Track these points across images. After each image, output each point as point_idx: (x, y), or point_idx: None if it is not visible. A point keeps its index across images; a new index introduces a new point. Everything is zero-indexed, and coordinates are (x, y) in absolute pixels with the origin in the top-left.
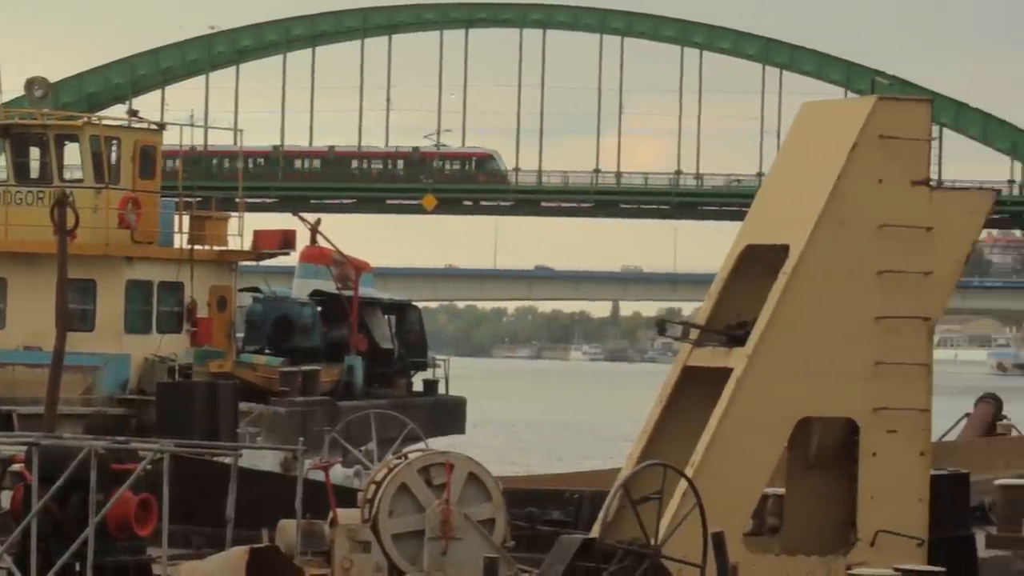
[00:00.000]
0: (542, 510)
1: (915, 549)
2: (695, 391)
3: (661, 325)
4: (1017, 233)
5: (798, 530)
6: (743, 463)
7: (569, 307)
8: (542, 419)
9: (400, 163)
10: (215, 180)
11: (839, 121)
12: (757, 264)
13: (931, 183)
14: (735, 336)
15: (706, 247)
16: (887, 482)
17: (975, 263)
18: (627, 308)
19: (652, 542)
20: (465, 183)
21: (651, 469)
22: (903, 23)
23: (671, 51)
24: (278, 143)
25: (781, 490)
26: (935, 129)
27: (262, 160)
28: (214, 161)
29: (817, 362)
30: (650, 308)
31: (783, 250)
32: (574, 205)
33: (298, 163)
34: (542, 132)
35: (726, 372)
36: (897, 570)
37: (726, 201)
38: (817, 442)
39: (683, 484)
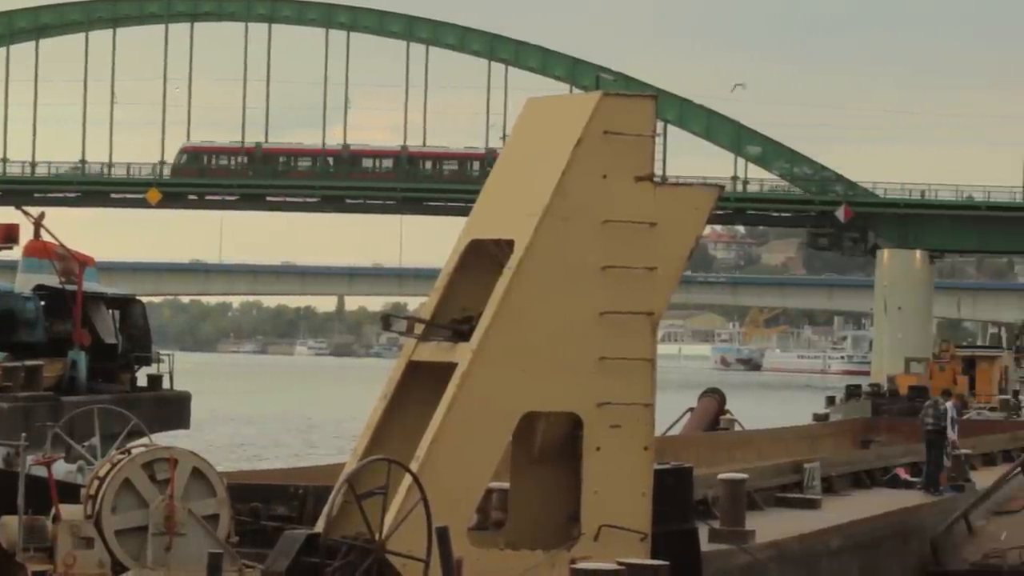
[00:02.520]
0: (267, 505)
1: (638, 543)
2: (420, 386)
3: (386, 320)
4: (740, 229)
5: (522, 524)
6: (467, 458)
7: (294, 302)
8: (267, 414)
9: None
10: None
11: (563, 117)
12: (483, 259)
13: (655, 179)
14: (460, 331)
15: (432, 241)
16: (610, 476)
17: (699, 258)
18: (353, 303)
19: (376, 537)
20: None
21: (376, 464)
22: (627, 20)
23: (397, 46)
24: None
25: (506, 484)
26: (659, 125)
27: None
28: None
29: (541, 357)
30: (376, 303)
31: (508, 245)
32: (300, 200)
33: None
34: (267, 126)
35: (451, 367)
36: (620, 564)
37: (452, 196)
38: (541, 437)
39: (408, 479)
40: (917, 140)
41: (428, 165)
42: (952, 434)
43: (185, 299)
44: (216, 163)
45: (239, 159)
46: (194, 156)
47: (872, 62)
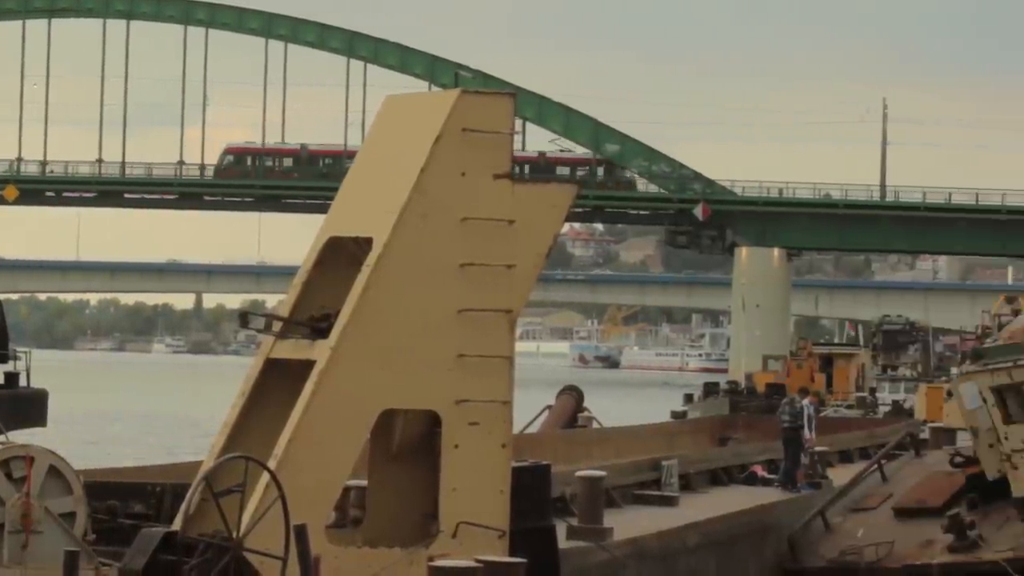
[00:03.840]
0: (124, 503)
1: (496, 541)
2: (278, 384)
3: (244, 317)
4: (599, 227)
5: (380, 522)
6: (325, 455)
7: (152, 299)
8: (124, 412)
9: None
10: None
11: (422, 115)
12: (341, 256)
13: (513, 177)
14: (318, 328)
15: (291, 239)
16: (469, 474)
17: (557, 256)
18: (210, 300)
19: (234, 535)
20: None
21: (233, 462)
22: (486, 18)
23: (256, 43)
24: None
25: (364, 482)
26: (517, 123)
27: None
28: None
29: (400, 355)
30: (234, 300)
31: (367, 242)
32: (158, 197)
33: None
34: (125, 123)
35: (309, 364)
36: (478, 561)
37: (310, 193)
38: (399, 434)
39: (265, 477)
40: (775, 139)
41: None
42: (809, 432)
43: (42, 296)
44: (261, 164)
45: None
46: (239, 158)
47: (733, 61)
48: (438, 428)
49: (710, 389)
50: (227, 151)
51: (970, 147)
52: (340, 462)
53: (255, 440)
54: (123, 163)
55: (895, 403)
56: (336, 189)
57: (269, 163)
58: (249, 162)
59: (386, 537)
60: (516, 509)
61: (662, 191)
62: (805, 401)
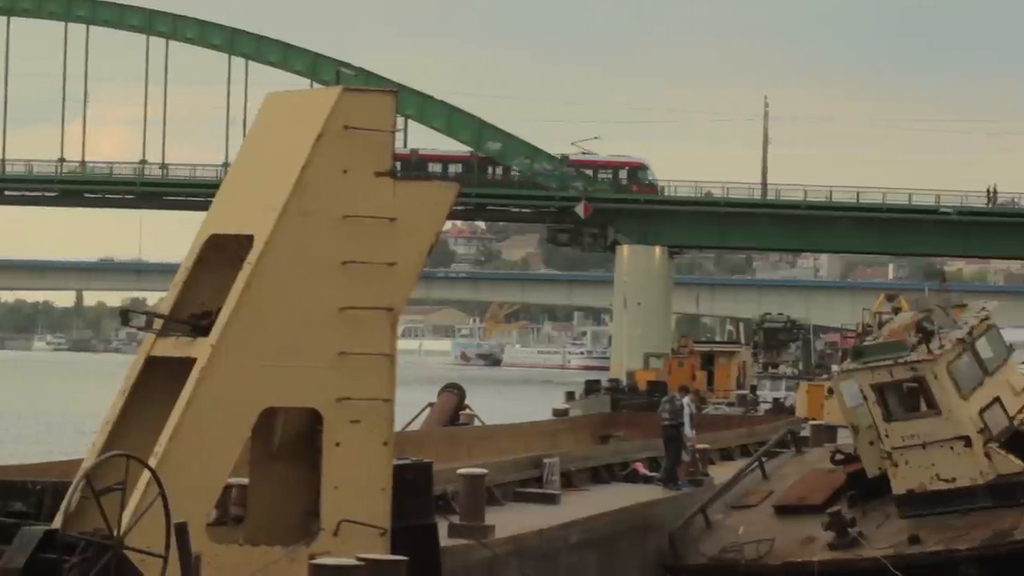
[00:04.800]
0: (3, 502)
1: (378, 538)
2: (159, 381)
3: (125, 315)
4: (481, 224)
5: (261, 520)
6: (206, 453)
7: (32, 296)
8: (3, 410)
9: None
10: None
11: (304, 112)
12: (223, 254)
13: (395, 174)
14: (199, 326)
15: (173, 236)
16: (350, 472)
17: (439, 254)
18: (91, 298)
19: (115, 533)
20: None
21: (114, 460)
22: (368, 15)
23: (136, 40)
24: None
25: (245, 480)
26: (400, 121)
27: None
28: None
29: (281, 352)
30: (115, 298)
31: (248, 240)
32: (39, 194)
33: None
34: (5, 120)
35: (190, 362)
36: (360, 559)
37: (191, 191)
38: (281, 432)
39: (146, 475)
40: (658, 137)
41: None
42: (690, 430)
43: None
44: None
45: None
46: None
47: (619, 60)
48: (319, 426)
49: (592, 387)
50: None
51: (851, 146)
52: (221, 460)
53: (136, 438)
54: (3, 160)
55: (776, 401)
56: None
57: None
58: None
59: (267, 535)
60: (398, 507)
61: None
62: (686, 399)
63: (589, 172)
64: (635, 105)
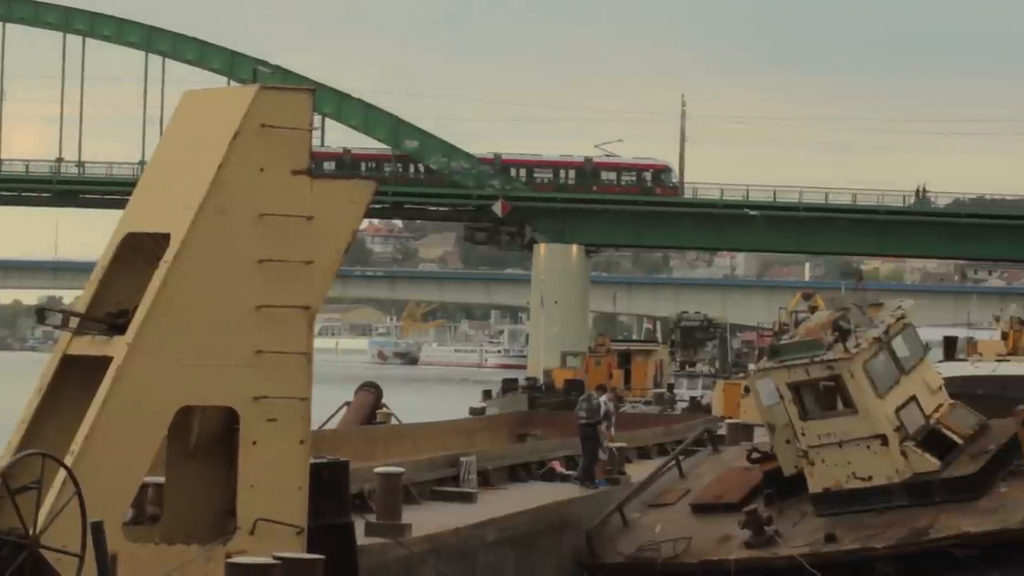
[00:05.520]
0: None
1: (294, 537)
2: (76, 380)
3: (40, 313)
4: (398, 223)
5: (178, 519)
6: (123, 452)
7: None
8: None
9: None
10: None
11: (221, 110)
12: (139, 252)
13: (312, 173)
14: (115, 325)
15: (90, 235)
16: (267, 470)
17: (356, 252)
18: (7, 296)
19: (30, 532)
20: None
21: (30, 458)
22: (285, 14)
23: (53, 37)
24: None
25: (161, 479)
26: (317, 119)
27: None
28: None
29: (197, 351)
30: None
31: (164, 239)
32: None
33: None
34: None
35: (107, 361)
36: (276, 558)
37: (108, 189)
38: (198, 431)
39: (63, 473)
40: (577, 136)
41: None
42: (606, 428)
43: None
44: None
45: None
46: None
47: (536, 59)
48: (236, 425)
49: (509, 386)
50: None
51: (768, 146)
52: (137, 459)
53: (52, 437)
54: None
55: (693, 399)
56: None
57: None
58: None
59: (184, 534)
60: (314, 506)
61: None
62: (603, 397)
63: (612, 175)
64: (554, 104)
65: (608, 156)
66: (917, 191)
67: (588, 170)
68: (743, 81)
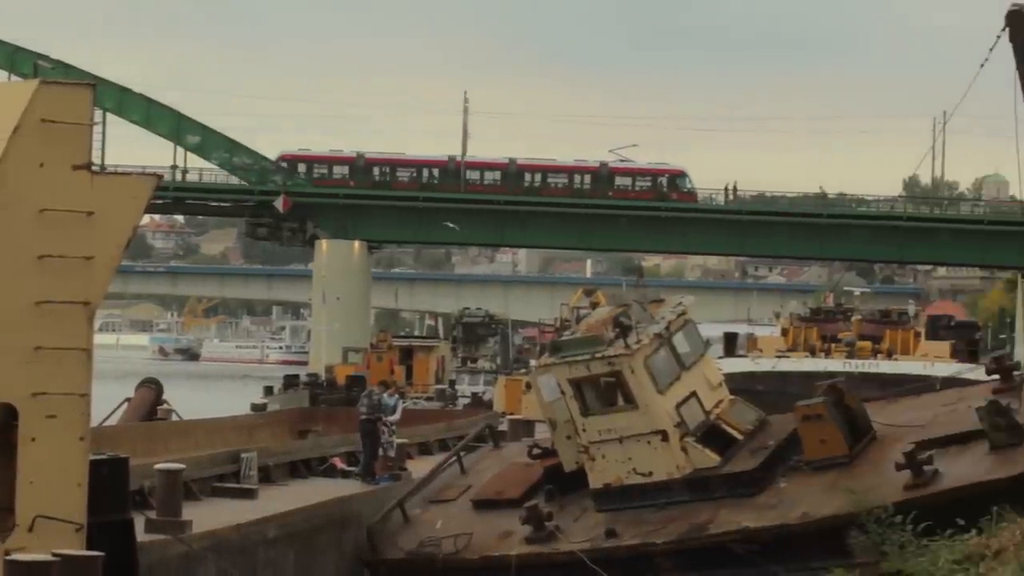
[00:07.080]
0: None
1: (73, 534)
2: None
3: None
4: (179, 219)
5: None
6: None
7: None
8: None
9: None
10: None
11: (1, 105)
12: None
13: (93, 168)
14: None
15: None
16: (46, 467)
17: (137, 247)
18: None
19: None
20: None
21: None
22: (68, 8)
23: None
24: None
25: None
26: (98, 114)
27: None
28: None
29: None
30: None
31: None
32: None
33: None
34: None
35: None
36: (55, 555)
37: None
38: None
39: None
40: (361, 132)
41: None
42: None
43: None
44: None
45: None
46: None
47: (319, 56)
48: (15, 421)
49: (290, 382)
50: (281, 158)
51: (544, 139)
52: None
53: None
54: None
55: (474, 395)
56: None
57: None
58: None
59: None
60: (94, 502)
61: (243, 183)
62: (385, 393)
63: (627, 180)
64: (347, 100)
65: (623, 161)
66: (726, 189)
67: (604, 175)
68: (526, 80)
